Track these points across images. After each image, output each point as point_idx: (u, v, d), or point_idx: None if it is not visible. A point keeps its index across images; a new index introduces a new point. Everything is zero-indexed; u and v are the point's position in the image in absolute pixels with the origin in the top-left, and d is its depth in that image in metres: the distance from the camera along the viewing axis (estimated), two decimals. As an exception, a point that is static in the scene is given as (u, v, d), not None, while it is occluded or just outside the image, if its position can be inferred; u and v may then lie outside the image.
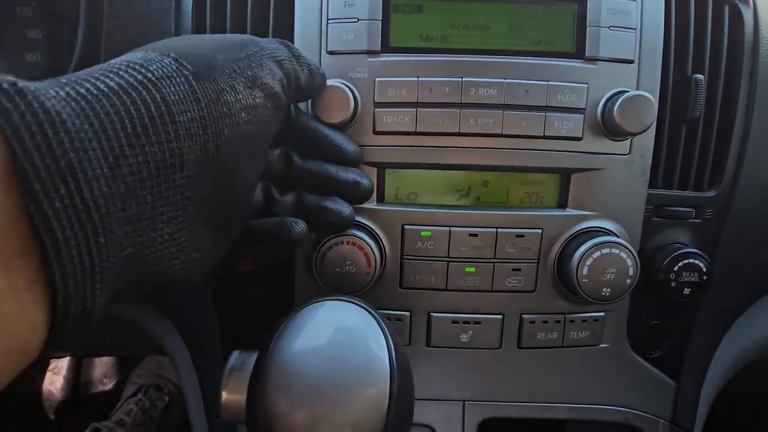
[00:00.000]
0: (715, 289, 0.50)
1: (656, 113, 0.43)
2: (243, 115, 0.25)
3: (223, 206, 0.26)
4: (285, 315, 0.27)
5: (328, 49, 0.42)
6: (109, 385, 1.23)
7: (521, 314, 0.46)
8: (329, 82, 0.40)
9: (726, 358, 0.55)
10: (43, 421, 1.17)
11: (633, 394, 0.51)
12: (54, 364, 1.24)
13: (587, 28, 0.41)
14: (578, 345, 0.47)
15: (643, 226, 0.46)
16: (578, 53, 0.42)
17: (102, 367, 1.27)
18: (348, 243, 0.40)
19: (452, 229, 0.43)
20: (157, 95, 0.21)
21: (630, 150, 0.44)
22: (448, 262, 0.44)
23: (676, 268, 0.45)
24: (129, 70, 0.21)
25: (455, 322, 0.46)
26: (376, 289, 0.45)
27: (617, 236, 0.44)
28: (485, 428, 0.49)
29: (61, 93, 0.18)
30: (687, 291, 0.46)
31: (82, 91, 0.19)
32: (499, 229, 0.43)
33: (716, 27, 0.46)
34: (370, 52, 0.41)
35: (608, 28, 0.41)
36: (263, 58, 0.28)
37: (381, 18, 0.41)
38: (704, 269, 0.45)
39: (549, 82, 0.41)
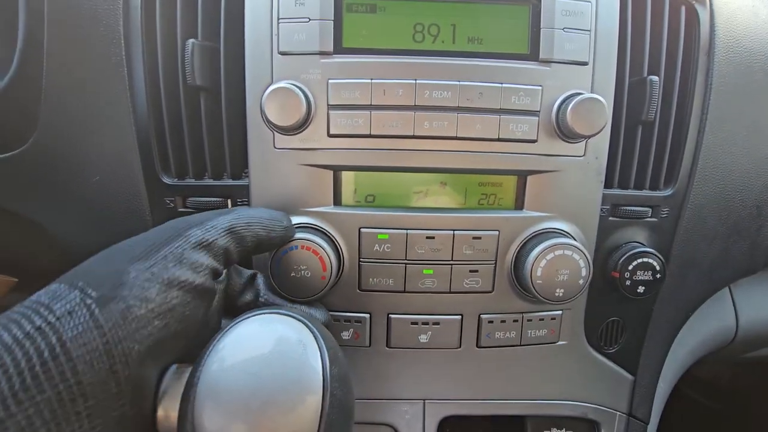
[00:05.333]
0: (671, 285, 0.51)
1: (609, 116, 0.43)
2: (157, 322, 0.26)
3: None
4: (219, 330, 0.27)
5: (280, 50, 0.41)
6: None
7: (480, 314, 0.46)
8: (280, 84, 0.39)
9: (681, 352, 0.57)
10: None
11: (591, 389, 0.52)
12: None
13: (541, 30, 0.41)
14: (536, 343, 0.48)
15: (599, 226, 0.46)
16: (532, 55, 0.42)
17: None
18: (302, 247, 0.40)
19: (409, 231, 0.43)
20: (53, 337, 0.22)
21: (585, 152, 0.44)
22: (406, 264, 0.44)
23: (630, 267, 0.46)
24: (31, 316, 0.23)
25: (414, 323, 0.46)
26: (335, 291, 0.45)
27: (573, 237, 0.44)
28: (446, 426, 0.50)
29: None
30: (641, 289, 0.47)
31: None
32: (456, 231, 0.44)
33: (672, 27, 0.46)
34: (323, 53, 0.41)
35: (562, 29, 0.41)
36: (185, 251, 0.29)
37: (333, 18, 0.40)
38: (657, 268, 0.46)
39: (503, 85, 0.41)
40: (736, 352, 0.67)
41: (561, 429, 0.52)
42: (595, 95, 0.40)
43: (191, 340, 0.31)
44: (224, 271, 0.38)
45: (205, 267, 0.29)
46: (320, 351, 0.26)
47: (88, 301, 0.24)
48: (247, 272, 0.40)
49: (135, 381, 0.25)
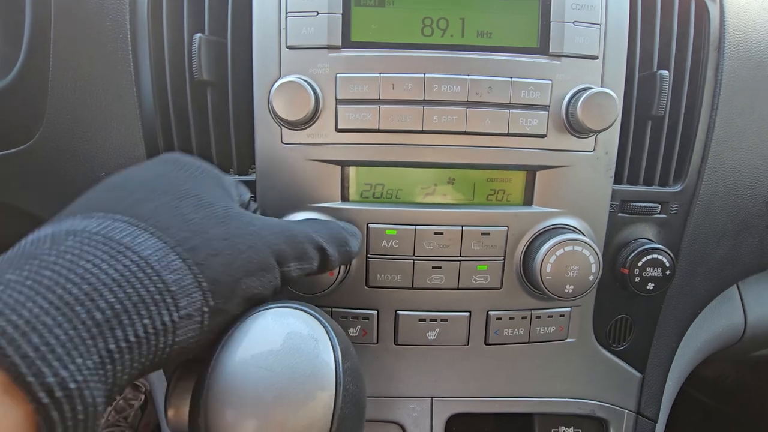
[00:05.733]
0: (680, 283, 0.51)
1: (619, 110, 0.42)
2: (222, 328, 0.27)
3: None
4: (231, 324, 0.26)
5: (288, 44, 0.40)
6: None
7: (488, 311, 0.46)
8: (288, 78, 0.39)
9: (690, 349, 0.56)
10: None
11: (599, 387, 0.51)
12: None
13: (551, 24, 0.41)
14: (545, 340, 0.48)
15: (608, 223, 0.46)
16: (542, 49, 0.41)
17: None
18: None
19: (417, 227, 0.43)
20: (170, 338, 0.23)
21: (595, 147, 0.43)
22: (414, 260, 0.44)
23: (640, 264, 0.46)
24: (160, 307, 0.22)
25: (422, 320, 0.46)
26: (343, 288, 0.45)
27: (582, 233, 0.44)
28: (454, 423, 0.49)
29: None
30: (651, 286, 0.47)
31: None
32: (464, 227, 0.43)
33: (682, 22, 0.46)
34: (331, 47, 0.40)
35: (572, 23, 0.41)
36: (277, 282, 0.29)
37: (341, 11, 0.40)
38: (667, 264, 0.46)
39: (513, 79, 0.41)
40: (744, 351, 0.66)
41: (569, 427, 0.52)
42: (605, 89, 0.40)
43: None
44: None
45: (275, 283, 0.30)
46: (332, 345, 0.25)
47: (205, 309, 0.24)
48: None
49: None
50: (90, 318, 0.19)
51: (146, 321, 0.21)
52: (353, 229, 0.39)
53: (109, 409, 0.98)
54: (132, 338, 0.21)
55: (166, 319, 0.22)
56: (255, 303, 0.28)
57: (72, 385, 0.18)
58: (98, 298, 0.20)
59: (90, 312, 0.20)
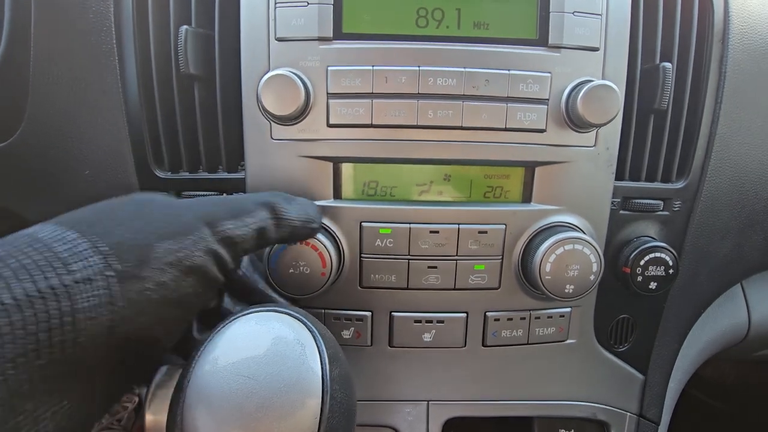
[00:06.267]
0: (683, 282, 0.49)
1: (622, 103, 0.41)
2: (164, 309, 0.25)
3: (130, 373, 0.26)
4: (213, 328, 0.25)
5: (277, 36, 0.39)
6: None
7: (485, 312, 0.45)
8: (277, 71, 0.38)
9: (693, 350, 0.55)
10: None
11: (600, 389, 0.50)
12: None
13: (550, 14, 0.39)
14: (544, 341, 0.46)
15: (609, 220, 0.45)
16: (541, 40, 0.40)
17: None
18: (301, 243, 0.38)
19: (413, 225, 0.42)
20: (66, 304, 0.20)
21: (596, 142, 0.42)
22: (408, 260, 0.42)
23: (642, 263, 0.44)
24: (45, 271, 0.20)
25: (418, 321, 0.44)
26: (335, 289, 0.43)
27: (582, 231, 0.42)
28: (451, 428, 0.48)
29: None
30: (653, 285, 0.45)
31: None
32: (461, 226, 0.42)
33: (685, 13, 0.45)
34: (322, 39, 0.39)
35: (572, 13, 0.39)
36: (213, 244, 0.27)
37: (333, 2, 0.38)
38: (670, 263, 0.45)
39: (510, 71, 0.39)
40: (748, 351, 0.65)
41: (569, 430, 0.51)
42: (607, 82, 0.38)
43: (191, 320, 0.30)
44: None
45: (223, 262, 0.28)
46: (319, 351, 0.24)
47: (109, 273, 0.22)
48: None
49: (133, 358, 0.24)
50: None
51: (27, 284, 0.20)
52: (308, 201, 0.38)
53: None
54: (8, 300, 0.19)
55: (54, 282, 0.20)
56: (191, 272, 0.26)
57: None
58: None
59: None
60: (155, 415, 0.24)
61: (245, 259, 0.38)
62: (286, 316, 0.25)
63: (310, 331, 0.25)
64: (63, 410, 0.22)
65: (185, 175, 0.44)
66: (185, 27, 0.40)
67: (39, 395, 0.20)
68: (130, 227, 0.25)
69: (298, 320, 0.25)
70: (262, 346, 0.23)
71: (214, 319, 0.34)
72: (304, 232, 0.35)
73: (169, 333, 0.26)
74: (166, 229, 0.26)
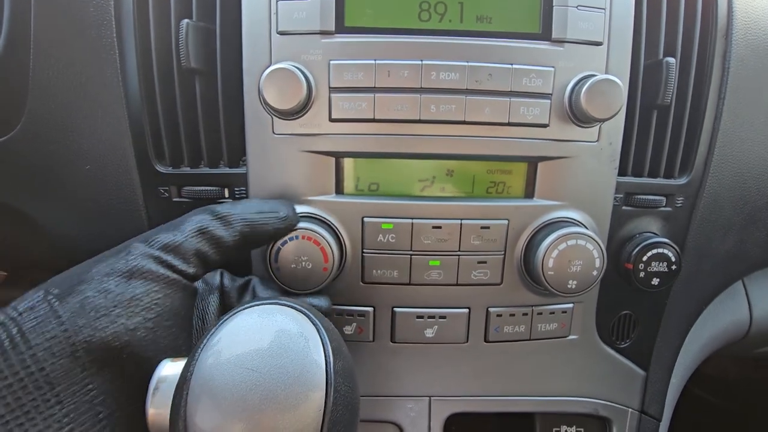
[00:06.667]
0: (685, 278, 0.49)
1: (625, 98, 0.41)
2: (119, 310, 0.26)
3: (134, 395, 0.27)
4: (216, 322, 0.25)
5: (279, 29, 0.39)
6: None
7: (488, 308, 0.44)
8: (280, 65, 0.37)
9: (695, 346, 0.55)
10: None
11: (602, 385, 0.50)
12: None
13: (554, 8, 0.39)
14: (546, 337, 0.46)
15: (612, 216, 0.45)
16: (544, 35, 0.39)
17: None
18: (303, 238, 0.38)
19: (415, 221, 0.41)
20: (14, 329, 0.24)
21: (599, 137, 0.42)
22: (411, 255, 0.42)
23: (644, 258, 0.44)
24: None
25: (420, 317, 0.44)
26: (337, 284, 0.43)
27: (585, 227, 0.42)
28: (452, 423, 0.48)
29: None
30: (656, 281, 0.45)
31: None
32: (463, 221, 0.42)
33: (689, 8, 0.44)
34: (324, 33, 0.39)
35: (576, 7, 0.39)
36: (148, 250, 0.29)
37: (335, -5, 0.38)
38: (673, 259, 0.45)
39: (514, 66, 0.39)
40: (749, 347, 0.65)
41: (571, 426, 0.51)
42: (610, 76, 0.38)
43: (181, 331, 0.30)
44: (217, 282, 0.37)
45: (169, 264, 0.29)
46: (323, 344, 0.24)
47: (49, 297, 0.25)
48: (240, 280, 0.38)
49: (109, 370, 0.25)
50: None
51: None
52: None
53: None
54: None
55: (1, 318, 0.24)
56: (136, 275, 0.28)
57: None
58: None
59: None
60: (158, 409, 0.24)
61: (257, 285, 0.38)
62: (290, 308, 0.25)
63: (313, 324, 0.25)
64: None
65: (186, 170, 0.44)
66: (186, 21, 0.40)
67: (32, 426, 0.23)
68: (74, 267, 0.28)
69: (302, 313, 0.25)
70: (265, 339, 0.23)
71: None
72: (270, 225, 0.35)
73: (153, 342, 0.27)
74: (102, 256, 0.29)
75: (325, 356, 0.23)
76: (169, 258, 0.29)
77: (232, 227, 0.32)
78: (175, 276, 0.29)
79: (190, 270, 0.30)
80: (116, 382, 0.26)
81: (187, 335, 0.32)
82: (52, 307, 0.25)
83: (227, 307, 0.36)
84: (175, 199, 0.44)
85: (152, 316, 0.28)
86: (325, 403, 0.22)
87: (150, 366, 0.27)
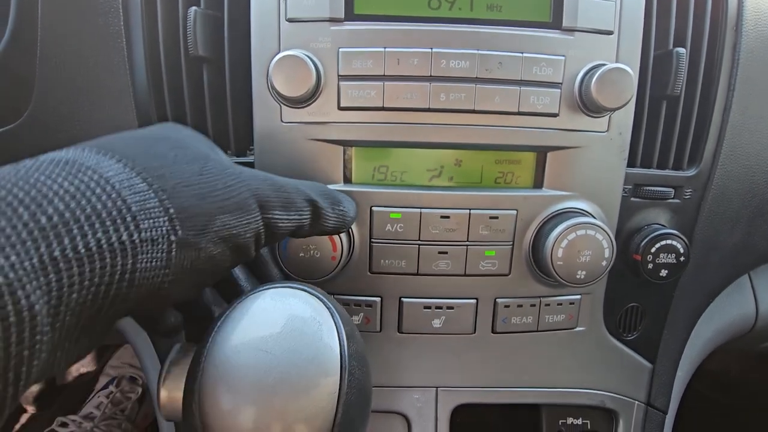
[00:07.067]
0: (693, 271, 0.49)
1: (636, 88, 0.41)
2: (201, 277, 0.25)
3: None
4: (228, 305, 0.25)
5: (288, 16, 0.38)
6: (87, 374, 1.20)
7: (495, 298, 0.44)
8: (289, 52, 0.37)
9: (701, 339, 0.55)
10: (17, 412, 1.14)
11: (609, 377, 0.50)
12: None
13: (565, -4, 0.39)
14: (554, 329, 0.46)
15: (620, 207, 0.44)
16: (555, 23, 0.39)
17: (78, 357, 1.23)
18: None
19: (423, 210, 0.41)
20: (129, 262, 0.21)
21: (608, 127, 0.42)
22: (419, 245, 0.42)
23: (653, 250, 0.44)
24: (119, 224, 0.20)
25: (427, 307, 0.44)
26: (345, 274, 0.43)
27: (594, 217, 0.42)
28: (459, 414, 0.48)
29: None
30: (664, 273, 0.45)
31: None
32: (472, 211, 0.41)
33: (699, -2, 0.44)
34: (333, 20, 0.38)
35: (587, -5, 0.39)
36: (260, 228, 0.27)
37: (344, -18, 0.38)
38: (681, 250, 0.44)
39: (524, 54, 0.39)
40: (755, 342, 0.65)
41: (577, 418, 0.51)
42: (621, 65, 0.38)
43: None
44: None
45: (261, 245, 0.28)
46: (337, 328, 0.24)
47: (172, 238, 0.22)
48: None
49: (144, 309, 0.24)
50: (33, 220, 0.18)
51: (100, 235, 0.19)
52: (347, 196, 0.37)
53: (106, 401, 0.97)
54: (81, 249, 0.19)
55: (124, 237, 0.20)
56: (236, 249, 0.26)
57: None
58: (46, 204, 0.18)
59: (34, 215, 0.18)
60: (170, 392, 0.24)
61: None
62: (303, 292, 0.25)
63: (327, 308, 0.25)
64: (82, 348, 0.22)
65: (193, 159, 0.43)
66: (194, 8, 0.40)
67: (79, 337, 0.21)
68: (196, 191, 0.24)
69: (315, 297, 0.25)
70: (279, 322, 0.23)
71: (225, 289, 0.34)
72: (330, 232, 0.35)
73: (188, 294, 0.26)
74: (226, 201, 0.25)
75: (339, 340, 0.23)
76: (263, 239, 0.28)
77: (314, 230, 0.32)
78: (252, 257, 0.28)
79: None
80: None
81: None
82: (169, 254, 0.22)
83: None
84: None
85: (209, 282, 0.27)
86: (340, 386, 0.22)
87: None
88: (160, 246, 0.22)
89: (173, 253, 0.22)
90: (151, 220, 0.21)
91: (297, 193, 0.30)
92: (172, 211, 0.22)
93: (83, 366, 1.23)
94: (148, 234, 0.21)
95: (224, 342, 0.22)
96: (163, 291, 0.23)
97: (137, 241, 0.21)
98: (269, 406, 0.21)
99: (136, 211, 0.21)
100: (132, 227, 0.21)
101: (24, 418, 1.14)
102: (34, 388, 1.17)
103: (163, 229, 0.22)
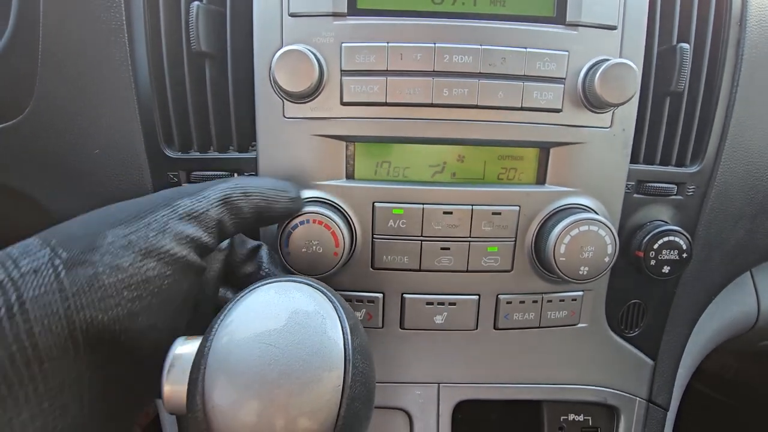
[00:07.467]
0: (695, 268, 0.49)
1: (639, 83, 0.40)
2: (127, 293, 0.24)
3: (124, 381, 0.26)
4: (231, 298, 0.25)
5: (290, 11, 0.38)
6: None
7: (497, 294, 0.44)
8: (292, 47, 0.37)
9: (702, 337, 0.55)
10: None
11: (610, 374, 0.50)
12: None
13: (568, -9, 0.39)
14: (556, 325, 0.46)
15: (623, 203, 0.44)
16: (558, 18, 0.39)
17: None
18: (314, 221, 0.38)
19: (426, 206, 0.41)
20: (13, 295, 0.21)
21: (612, 123, 0.42)
22: (421, 241, 0.42)
23: (656, 246, 0.44)
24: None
25: (429, 303, 0.44)
26: (347, 269, 0.43)
27: (596, 213, 0.42)
28: (461, 410, 0.48)
29: None
30: (666, 269, 0.45)
31: None
32: (474, 206, 0.41)
33: (703, -7, 0.44)
34: (336, 15, 0.38)
35: (591, -10, 0.39)
36: (171, 221, 0.27)
37: (347, -24, 0.38)
38: (684, 247, 0.44)
39: (528, 49, 0.39)
40: (756, 339, 0.65)
41: (579, 415, 0.51)
42: (625, 60, 0.38)
43: (181, 312, 0.29)
44: (227, 240, 0.36)
45: (190, 239, 0.27)
46: (341, 321, 0.24)
47: (56, 262, 0.23)
48: (252, 243, 0.38)
49: (102, 351, 0.24)
50: None
51: None
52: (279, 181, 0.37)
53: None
54: None
55: (2, 275, 0.22)
56: (153, 255, 0.25)
57: None
58: None
59: None
60: (173, 385, 0.24)
61: (264, 256, 0.38)
62: (306, 286, 0.25)
63: (330, 302, 0.24)
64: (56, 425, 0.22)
65: (195, 154, 0.43)
66: (196, 3, 0.39)
67: (13, 401, 0.21)
68: (85, 221, 0.25)
69: (318, 291, 0.25)
70: (282, 316, 0.23)
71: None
72: (282, 203, 0.34)
73: (152, 327, 0.26)
74: (118, 216, 0.26)
75: (343, 333, 0.23)
76: (191, 228, 0.27)
77: (250, 199, 0.31)
78: (190, 257, 0.28)
79: (210, 240, 0.29)
80: (107, 363, 0.24)
81: (187, 318, 0.31)
82: (57, 276, 0.22)
83: (231, 269, 0.36)
84: (184, 184, 0.43)
85: (159, 300, 0.26)
86: (344, 379, 0.22)
87: (141, 350, 0.25)
88: (44, 272, 0.22)
89: (62, 275, 0.23)
90: (31, 256, 0.23)
91: (209, 185, 0.30)
92: (54, 241, 0.24)
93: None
94: (27, 267, 0.22)
95: (228, 335, 0.22)
96: (92, 322, 0.23)
97: (16, 275, 0.22)
98: (273, 399, 0.21)
99: (16, 256, 0.23)
100: (10, 267, 0.22)
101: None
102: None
103: (44, 258, 0.23)
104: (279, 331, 0.22)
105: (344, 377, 0.22)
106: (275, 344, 0.22)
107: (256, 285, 0.25)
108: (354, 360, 0.23)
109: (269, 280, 0.25)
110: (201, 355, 0.22)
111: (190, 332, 0.28)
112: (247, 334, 0.22)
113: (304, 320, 0.23)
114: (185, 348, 0.25)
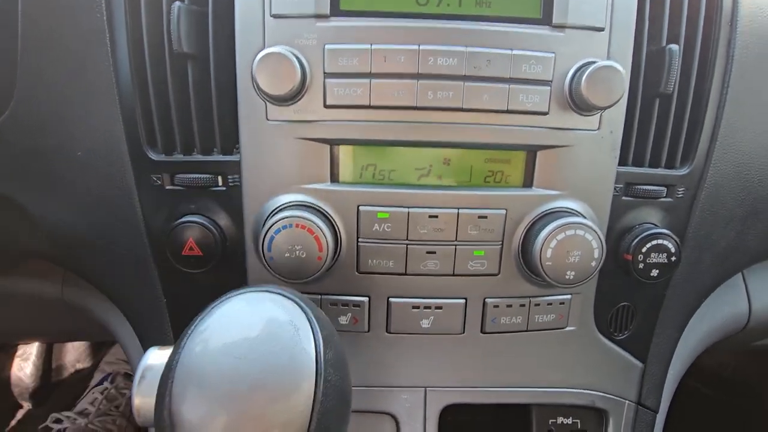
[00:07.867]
0: (685, 270, 0.49)
1: (627, 85, 0.40)
2: None
3: None
4: (203, 308, 0.24)
5: (273, 12, 0.38)
6: (82, 371, 1.20)
7: (484, 298, 0.44)
8: (273, 49, 0.36)
9: (693, 339, 0.55)
10: (13, 408, 1.14)
11: (599, 376, 0.50)
12: (22, 350, 1.20)
13: (555, -8, 0.38)
14: (543, 328, 0.46)
15: (611, 206, 0.44)
16: (545, 19, 0.39)
17: (74, 352, 1.23)
18: (297, 226, 0.38)
19: (411, 210, 0.41)
20: None
21: (599, 125, 0.41)
22: (407, 245, 0.42)
23: (644, 249, 0.44)
24: None
25: (416, 307, 0.44)
26: (333, 273, 0.43)
27: (584, 217, 0.41)
28: (448, 414, 0.48)
29: None
30: (655, 273, 0.45)
31: None
32: (460, 210, 0.41)
33: (693, -7, 0.43)
34: (319, 16, 0.38)
35: (578, -9, 0.38)
36: None
37: (330, -23, 0.37)
38: (673, 250, 0.44)
39: (513, 51, 0.38)
40: (748, 340, 0.65)
41: (567, 418, 0.51)
42: (612, 63, 0.37)
43: None
44: None
45: None
46: (313, 332, 0.23)
47: None
48: None
49: None
50: None
51: None
52: None
53: (101, 397, 0.97)
54: None
55: None
56: None
57: None
58: None
59: None
60: (144, 397, 0.23)
61: None
62: (279, 296, 0.25)
63: (303, 312, 0.24)
64: None
65: (179, 157, 0.43)
66: (178, 3, 0.39)
67: None
68: None
69: (292, 301, 0.25)
70: (254, 327, 0.22)
71: None
72: None
73: None
74: None
75: (315, 345, 0.23)
76: None
77: None
78: None
79: None
80: None
81: None
82: None
83: None
84: (167, 187, 0.43)
85: None
86: (315, 392, 0.22)
87: None
88: None
89: None
90: None
91: None
92: None
93: (78, 362, 1.23)
94: None
95: (197, 348, 0.22)
96: None
97: None
98: (243, 412, 0.20)
99: None
100: None
101: (20, 414, 1.15)
102: (30, 384, 1.17)
103: None
104: (250, 342, 0.22)
105: (315, 390, 0.22)
106: (245, 357, 0.21)
107: (229, 295, 0.25)
108: (326, 373, 0.22)
109: (242, 290, 0.25)
110: (169, 367, 0.22)
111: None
112: (216, 345, 0.22)
113: (276, 331, 0.22)
114: (156, 358, 0.24)
